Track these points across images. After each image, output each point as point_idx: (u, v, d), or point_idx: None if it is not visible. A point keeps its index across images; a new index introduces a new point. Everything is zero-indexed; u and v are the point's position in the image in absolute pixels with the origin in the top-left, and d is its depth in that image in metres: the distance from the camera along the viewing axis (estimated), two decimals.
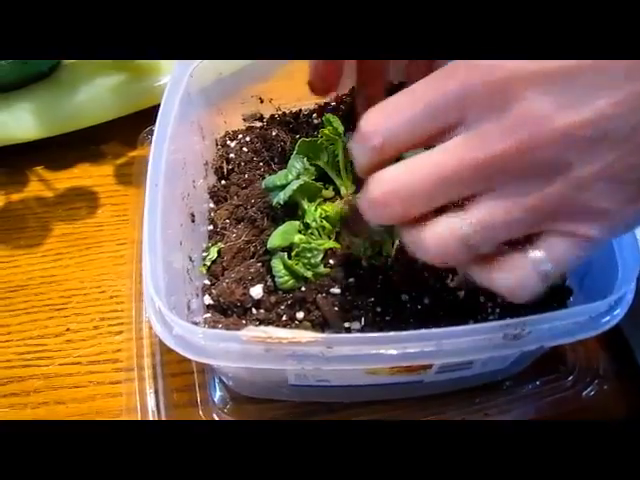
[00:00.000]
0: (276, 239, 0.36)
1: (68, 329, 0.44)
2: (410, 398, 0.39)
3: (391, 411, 0.38)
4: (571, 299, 0.36)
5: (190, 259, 0.38)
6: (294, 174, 0.38)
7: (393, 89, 0.46)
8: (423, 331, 0.28)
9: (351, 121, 0.46)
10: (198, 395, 0.40)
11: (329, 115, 0.40)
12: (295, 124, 0.47)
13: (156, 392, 0.38)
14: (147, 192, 0.32)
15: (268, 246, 0.37)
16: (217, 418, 0.39)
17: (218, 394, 0.40)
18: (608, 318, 0.30)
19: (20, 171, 0.54)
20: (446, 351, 0.28)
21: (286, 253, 0.36)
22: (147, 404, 0.38)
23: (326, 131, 0.40)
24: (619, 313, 0.30)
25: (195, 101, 0.42)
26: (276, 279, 0.36)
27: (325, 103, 0.48)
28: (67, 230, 0.50)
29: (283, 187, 0.38)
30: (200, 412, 0.39)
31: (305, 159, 0.41)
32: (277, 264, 0.36)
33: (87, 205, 0.52)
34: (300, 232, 0.38)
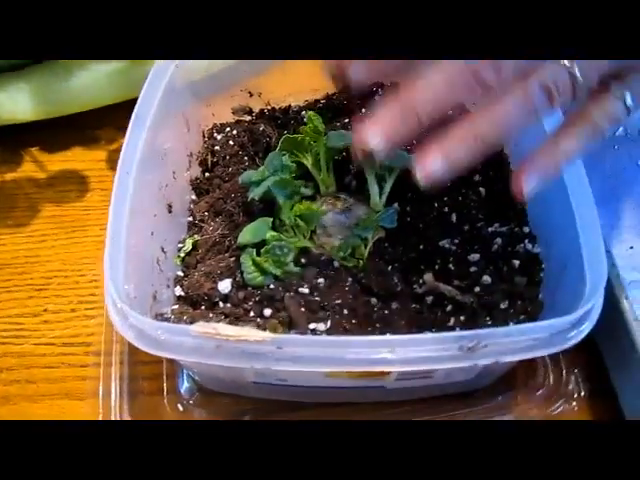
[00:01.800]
0: (246, 235, 0.36)
1: (46, 310, 0.45)
2: (375, 402, 0.38)
3: (354, 414, 0.38)
4: (543, 313, 0.36)
5: (162, 249, 0.38)
6: (271, 170, 0.38)
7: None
8: (375, 337, 0.28)
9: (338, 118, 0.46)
10: (165, 384, 0.40)
11: (311, 113, 0.40)
12: (284, 119, 0.47)
13: (121, 378, 0.39)
14: (116, 181, 0.33)
15: (238, 241, 0.37)
16: (181, 409, 0.39)
17: (185, 385, 0.40)
18: (572, 334, 0.29)
19: (15, 151, 0.55)
20: (399, 359, 0.27)
21: (256, 249, 0.36)
22: (111, 390, 0.38)
23: (307, 129, 0.40)
24: (582, 331, 0.29)
25: (180, 92, 0.42)
26: (245, 275, 0.36)
27: (315, 100, 0.47)
28: (55, 212, 0.51)
29: (259, 183, 0.38)
30: (165, 401, 0.39)
31: (286, 156, 0.41)
32: (246, 260, 0.36)
33: (77, 188, 0.52)
34: (274, 229, 0.38)
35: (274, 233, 0.37)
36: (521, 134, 0.41)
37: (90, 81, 0.54)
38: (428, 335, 0.28)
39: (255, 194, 0.38)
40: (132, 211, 0.33)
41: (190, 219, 0.42)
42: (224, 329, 0.26)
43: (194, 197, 0.44)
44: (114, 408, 0.37)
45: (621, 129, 0.57)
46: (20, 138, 0.55)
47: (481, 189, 0.41)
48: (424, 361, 0.27)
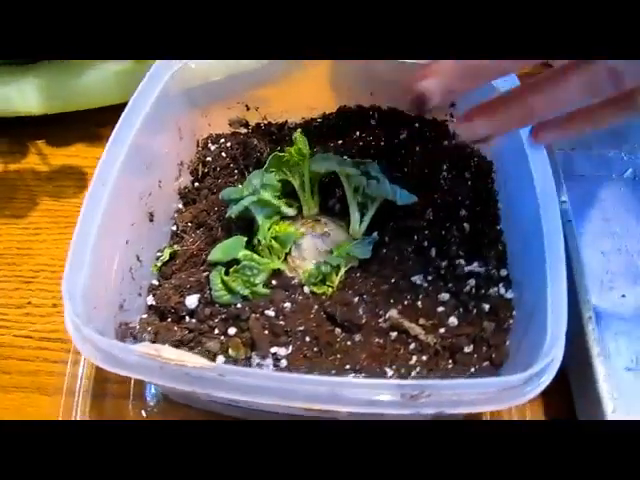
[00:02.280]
0: (217, 253, 0.36)
1: (30, 302, 0.46)
2: None
3: None
4: (508, 361, 0.35)
5: (138, 258, 0.38)
6: (250, 190, 0.38)
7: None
8: (315, 377, 0.28)
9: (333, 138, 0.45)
10: (132, 389, 0.40)
11: (298, 134, 0.40)
12: (279, 135, 0.47)
13: (88, 378, 0.39)
14: (89, 191, 0.33)
15: (209, 258, 0.37)
16: (144, 415, 0.39)
17: (152, 392, 0.40)
18: (527, 389, 0.28)
19: (21, 142, 0.56)
20: (339, 400, 0.27)
21: (225, 268, 0.36)
22: (75, 389, 0.38)
23: (292, 150, 0.40)
24: (538, 386, 0.28)
25: (175, 101, 0.42)
26: (212, 292, 0.36)
27: (312, 118, 0.47)
28: (52, 206, 0.52)
29: (237, 201, 0.38)
30: (129, 406, 0.40)
31: (273, 174, 0.41)
32: (215, 277, 0.36)
33: (75, 184, 0.53)
34: (250, 248, 0.39)
35: (247, 252, 0.37)
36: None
37: (98, 79, 0.55)
38: (371, 380, 0.28)
39: (232, 212, 0.38)
40: (104, 222, 0.33)
41: (174, 228, 0.43)
42: (166, 352, 0.27)
43: (181, 206, 0.44)
44: (75, 408, 0.38)
45: (630, 171, 0.55)
46: (27, 130, 0.56)
47: (465, 225, 0.40)
48: (364, 404, 0.27)
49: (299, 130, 0.41)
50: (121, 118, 0.37)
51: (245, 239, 0.38)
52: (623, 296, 0.47)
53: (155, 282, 0.40)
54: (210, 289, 0.37)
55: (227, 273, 0.36)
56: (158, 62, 0.40)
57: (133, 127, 0.37)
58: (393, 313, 0.35)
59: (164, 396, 0.40)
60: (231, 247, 0.37)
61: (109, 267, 0.34)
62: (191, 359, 0.26)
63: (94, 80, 0.55)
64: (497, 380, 0.28)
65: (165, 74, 0.40)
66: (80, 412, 0.38)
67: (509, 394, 0.28)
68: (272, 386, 0.28)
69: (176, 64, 0.41)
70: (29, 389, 0.42)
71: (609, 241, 0.50)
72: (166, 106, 0.40)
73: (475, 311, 0.35)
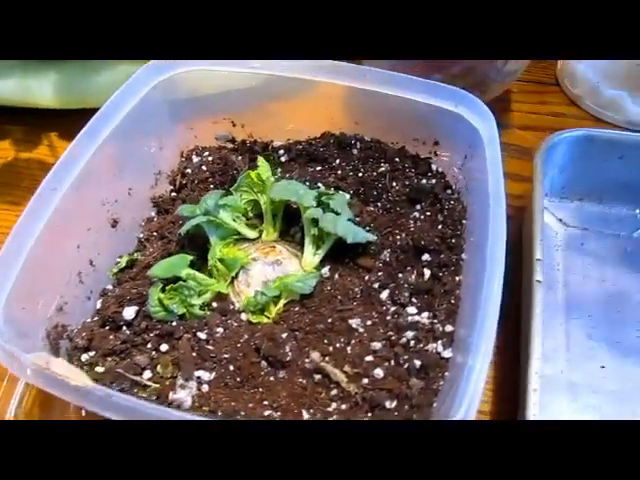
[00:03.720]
0: (158, 269, 0.37)
1: None
2: None
3: None
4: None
5: (91, 263, 0.39)
6: (202, 210, 0.38)
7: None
8: (194, 418, 0.27)
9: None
10: None
11: (261, 159, 0.40)
12: (262, 155, 0.47)
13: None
14: (40, 188, 0.34)
15: (148, 273, 0.37)
16: (84, 414, 0.40)
17: None
18: None
19: (35, 133, 0.59)
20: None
21: (163, 285, 0.36)
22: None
23: (253, 174, 0.39)
24: None
25: (155, 112, 0.43)
26: (149, 307, 0.36)
27: (296, 141, 0.47)
28: None
29: (190, 219, 0.38)
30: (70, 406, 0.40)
31: (240, 195, 0.41)
32: (153, 293, 0.36)
33: None
34: (201, 266, 0.39)
35: (190, 272, 0.37)
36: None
37: (113, 79, 0.57)
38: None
39: (182, 230, 0.38)
40: (48, 225, 0.34)
41: (141, 236, 0.43)
42: (56, 365, 0.27)
43: (153, 214, 0.45)
44: (16, 395, 0.38)
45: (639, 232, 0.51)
46: (42, 122, 0.59)
47: (426, 271, 0.39)
48: None
49: (260, 157, 0.40)
50: (87, 124, 0.38)
51: (190, 258, 0.38)
52: (602, 367, 0.44)
53: (109, 287, 0.40)
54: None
55: (162, 291, 0.36)
56: (138, 72, 0.41)
57: (100, 133, 0.38)
58: (315, 356, 0.33)
59: None
60: (173, 265, 0.37)
61: (49, 269, 0.35)
62: (76, 377, 0.27)
63: (108, 80, 0.57)
64: None
65: (145, 85, 0.41)
66: (17, 401, 0.38)
67: None
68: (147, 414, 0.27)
69: (158, 77, 0.42)
70: None
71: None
72: (143, 116, 0.41)
73: (406, 366, 0.33)
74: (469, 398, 0.27)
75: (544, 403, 0.42)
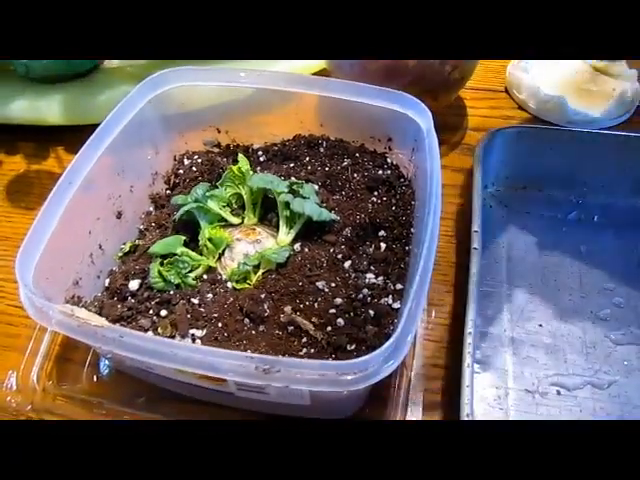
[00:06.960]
0: (157, 247, 0.44)
1: None
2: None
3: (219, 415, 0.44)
4: None
5: (100, 247, 0.46)
6: (192, 198, 0.45)
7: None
8: (192, 345, 0.34)
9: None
10: (90, 358, 0.48)
11: (241, 156, 0.47)
12: (244, 156, 0.55)
13: (54, 342, 0.47)
14: (57, 185, 0.42)
15: (149, 251, 0.44)
16: (95, 380, 0.47)
17: (104, 362, 0.48)
18: (353, 378, 0.32)
19: (44, 147, 0.67)
20: (203, 365, 0.33)
21: (161, 260, 0.44)
22: (38, 351, 0.46)
23: (234, 168, 0.47)
24: (364, 378, 0.32)
25: (151, 124, 0.50)
26: (150, 279, 0.44)
27: (272, 144, 0.55)
28: None
29: (182, 206, 0.46)
30: (84, 373, 0.47)
31: (225, 188, 0.48)
32: (153, 267, 0.44)
33: None
34: (192, 246, 0.46)
35: (184, 249, 0.45)
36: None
37: (113, 98, 0.65)
38: (231, 351, 0.34)
39: (176, 216, 0.45)
40: (65, 213, 0.41)
41: (142, 227, 0.51)
42: (79, 312, 0.34)
43: (152, 209, 0.52)
44: (35, 368, 0.45)
45: (574, 213, 0.59)
46: (50, 137, 0.67)
47: (382, 244, 0.46)
48: (223, 372, 0.33)
49: (241, 154, 0.48)
50: (93, 134, 0.45)
51: (184, 238, 0.45)
52: (540, 325, 0.51)
53: (115, 268, 0.47)
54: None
55: (161, 265, 0.44)
56: (135, 89, 0.49)
57: (104, 141, 0.45)
58: (288, 309, 0.41)
59: (115, 366, 0.48)
60: (169, 244, 0.44)
61: (67, 249, 0.42)
62: (96, 320, 0.34)
63: (109, 98, 0.65)
64: (332, 364, 0.33)
65: (141, 100, 0.49)
66: (36, 373, 0.45)
67: (343, 380, 0.33)
68: (159, 350, 0.34)
69: (153, 92, 0.49)
70: (8, 348, 0.50)
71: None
72: (141, 127, 0.49)
73: (363, 316, 0.41)
74: (403, 325, 0.34)
75: (490, 356, 0.50)
